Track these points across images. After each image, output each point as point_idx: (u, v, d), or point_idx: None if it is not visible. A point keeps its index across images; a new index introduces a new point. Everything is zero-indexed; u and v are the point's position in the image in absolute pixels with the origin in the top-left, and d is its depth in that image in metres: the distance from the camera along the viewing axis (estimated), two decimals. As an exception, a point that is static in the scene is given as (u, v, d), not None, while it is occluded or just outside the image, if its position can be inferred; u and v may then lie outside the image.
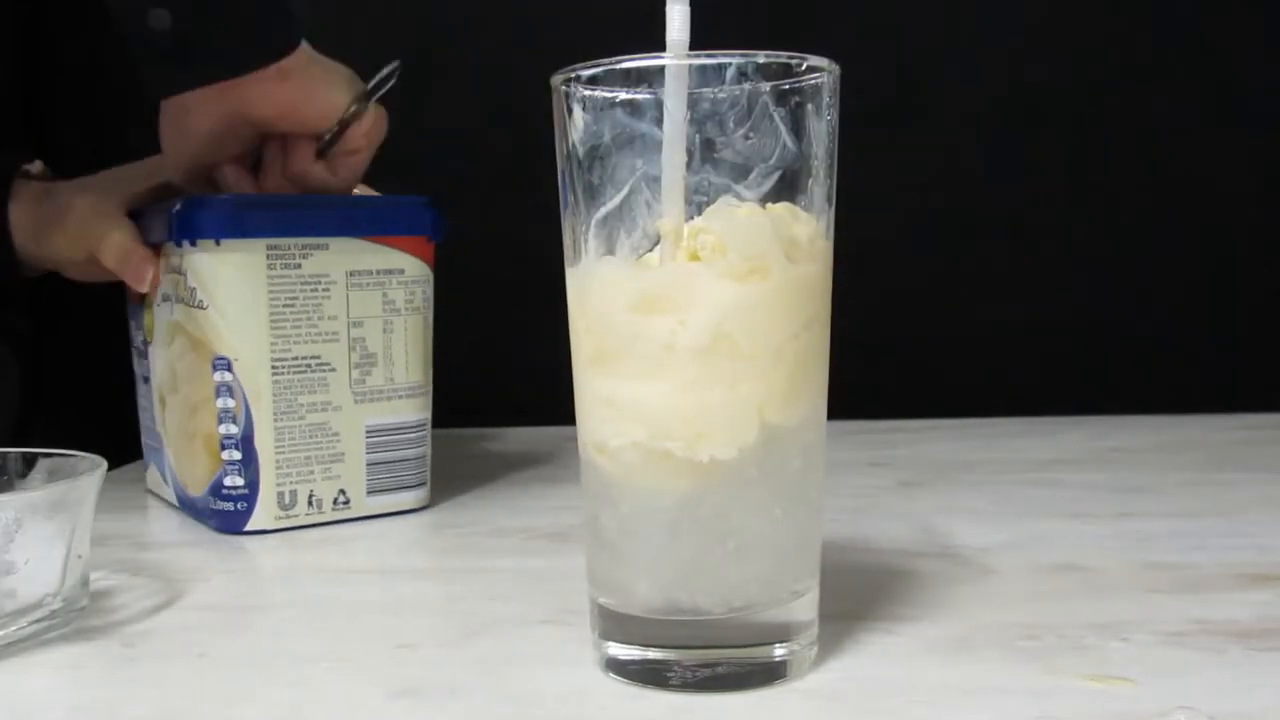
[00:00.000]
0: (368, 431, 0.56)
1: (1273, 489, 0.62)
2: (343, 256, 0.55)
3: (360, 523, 0.58)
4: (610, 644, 0.35)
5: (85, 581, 0.43)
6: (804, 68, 0.33)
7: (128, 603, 0.44)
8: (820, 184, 0.35)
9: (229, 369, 0.53)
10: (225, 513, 0.55)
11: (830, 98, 0.34)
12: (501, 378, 0.88)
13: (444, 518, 0.58)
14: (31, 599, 0.40)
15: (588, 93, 0.34)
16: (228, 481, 0.54)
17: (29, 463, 0.45)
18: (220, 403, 0.54)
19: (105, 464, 0.43)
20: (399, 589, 0.46)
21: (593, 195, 0.34)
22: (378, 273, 0.56)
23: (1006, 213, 0.90)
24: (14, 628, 0.39)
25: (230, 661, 0.38)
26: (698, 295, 0.32)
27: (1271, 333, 0.90)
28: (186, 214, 0.53)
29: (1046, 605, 0.42)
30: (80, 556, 0.42)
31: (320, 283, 0.54)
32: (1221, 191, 0.89)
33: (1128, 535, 0.52)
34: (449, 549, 0.52)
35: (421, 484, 0.59)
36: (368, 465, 0.56)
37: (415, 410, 0.58)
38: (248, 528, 0.54)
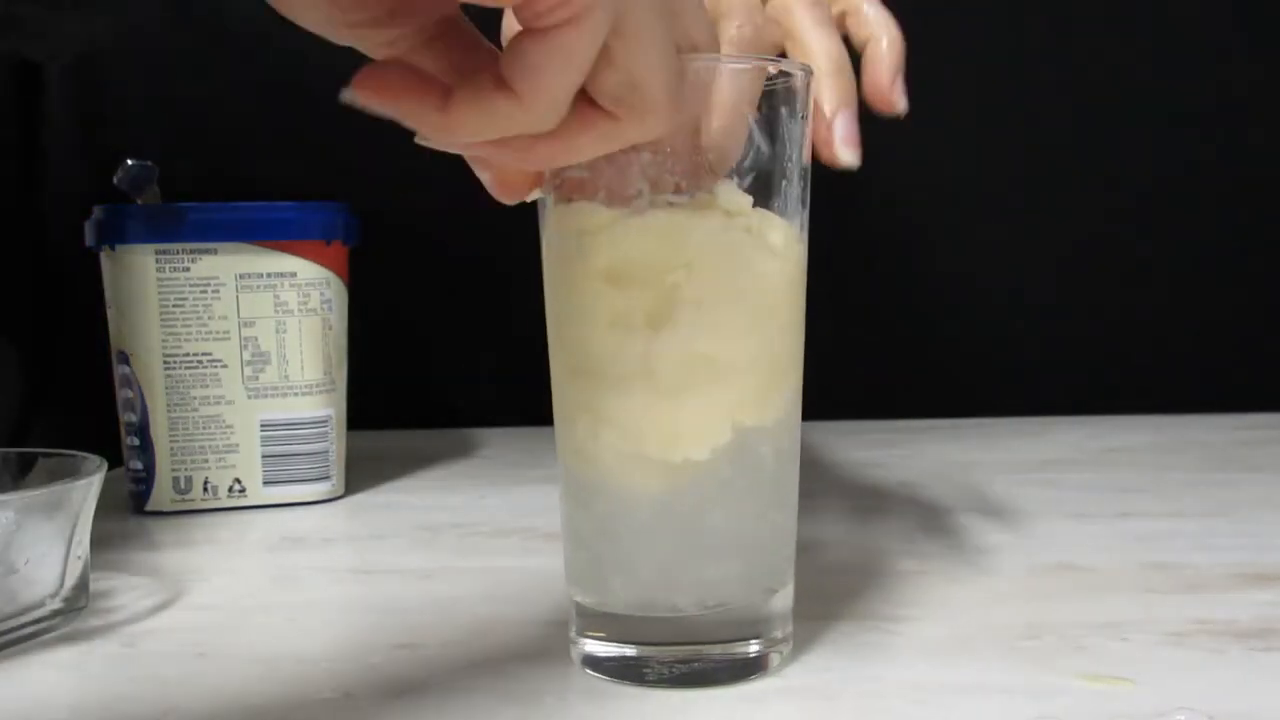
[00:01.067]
0: (262, 425, 0.60)
1: (1273, 489, 0.62)
2: (231, 260, 0.58)
3: (360, 524, 0.58)
4: (587, 640, 0.36)
5: (85, 582, 0.43)
6: (777, 71, 0.34)
7: (128, 603, 0.44)
8: (794, 186, 0.35)
9: (127, 363, 0.59)
10: (132, 493, 0.60)
11: (804, 100, 0.35)
12: (502, 378, 0.88)
13: (445, 518, 0.58)
14: (31, 600, 0.40)
15: None
16: (131, 465, 0.60)
17: (29, 463, 0.45)
18: (121, 393, 0.60)
19: (105, 464, 0.43)
20: (399, 589, 0.46)
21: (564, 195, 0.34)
22: (268, 275, 0.59)
23: (1006, 212, 0.90)
24: (13, 628, 0.39)
25: (230, 661, 0.38)
26: (673, 309, 0.33)
27: (1271, 333, 0.90)
28: (95, 223, 0.58)
29: (1046, 605, 0.42)
30: (80, 557, 0.42)
31: (210, 284, 0.58)
32: (1221, 191, 0.89)
33: (1128, 535, 0.52)
34: (449, 549, 0.52)
35: (324, 478, 0.62)
36: (263, 457, 0.60)
37: (315, 407, 0.61)
38: (148, 508, 0.59)
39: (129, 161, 0.58)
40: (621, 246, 0.33)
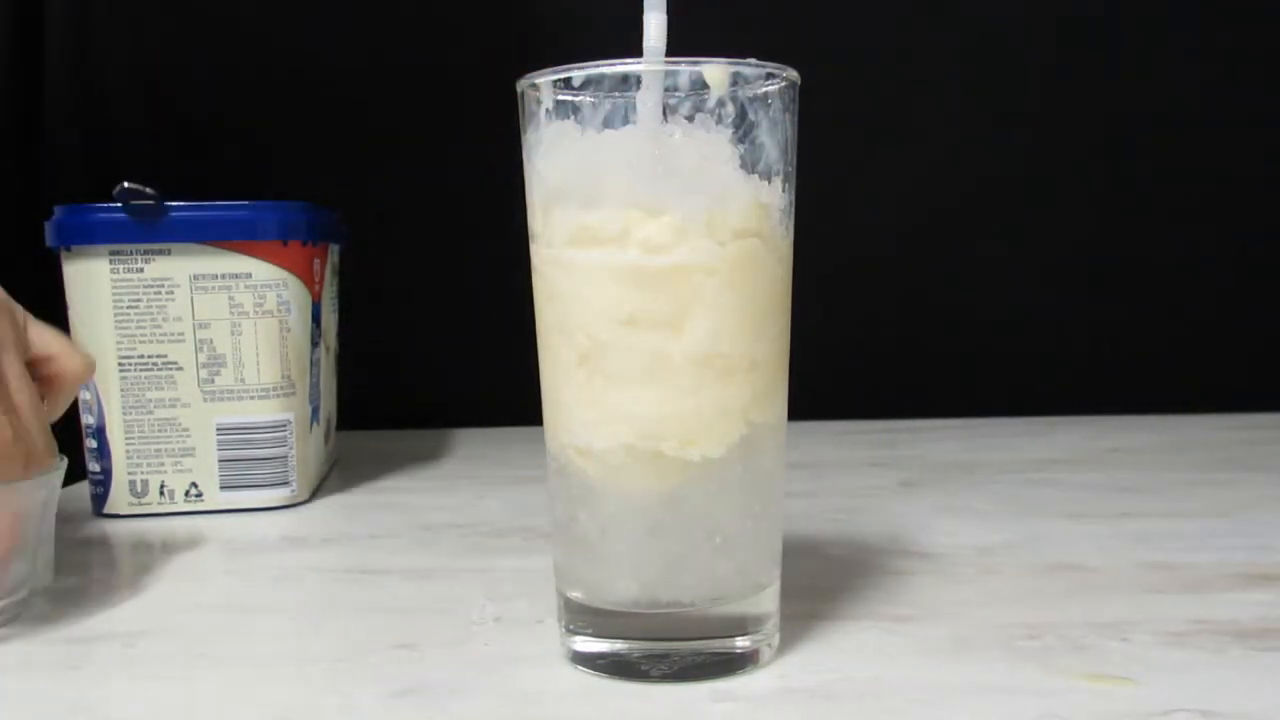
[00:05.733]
0: (219, 429, 0.59)
1: (1273, 489, 0.62)
2: (185, 261, 0.58)
3: (359, 524, 0.58)
4: (578, 637, 0.36)
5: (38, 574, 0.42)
6: (763, 74, 0.34)
7: (127, 603, 0.44)
8: (790, 187, 0.36)
9: None
10: (93, 496, 0.60)
11: (787, 103, 0.35)
12: (499, 378, 0.88)
13: (444, 517, 0.58)
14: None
15: (558, 97, 0.34)
16: (90, 467, 0.59)
17: None
18: (80, 395, 0.58)
19: (63, 464, 0.43)
20: (399, 589, 0.46)
21: (561, 199, 0.34)
22: (223, 276, 0.58)
23: (1006, 213, 0.90)
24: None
25: (230, 661, 0.38)
26: (695, 310, 0.33)
27: (1272, 333, 0.90)
28: (53, 224, 0.58)
29: (1046, 605, 0.42)
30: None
31: (164, 286, 0.58)
32: (1221, 191, 0.89)
33: (1128, 535, 0.52)
34: (449, 549, 0.52)
35: (284, 483, 0.60)
36: (220, 462, 0.59)
37: (272, 411, 0.60)
38: (105, 510, 0.59)
39: (125, 185, 0.57)
40: (644, 249, 0.33)
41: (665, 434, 0.34)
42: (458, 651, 0.38)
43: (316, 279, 0.62)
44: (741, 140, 0.34)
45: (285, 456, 0.60)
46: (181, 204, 0.58)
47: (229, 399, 0.59)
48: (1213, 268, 0.90)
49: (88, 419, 0.59)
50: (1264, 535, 0.52)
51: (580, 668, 0.36)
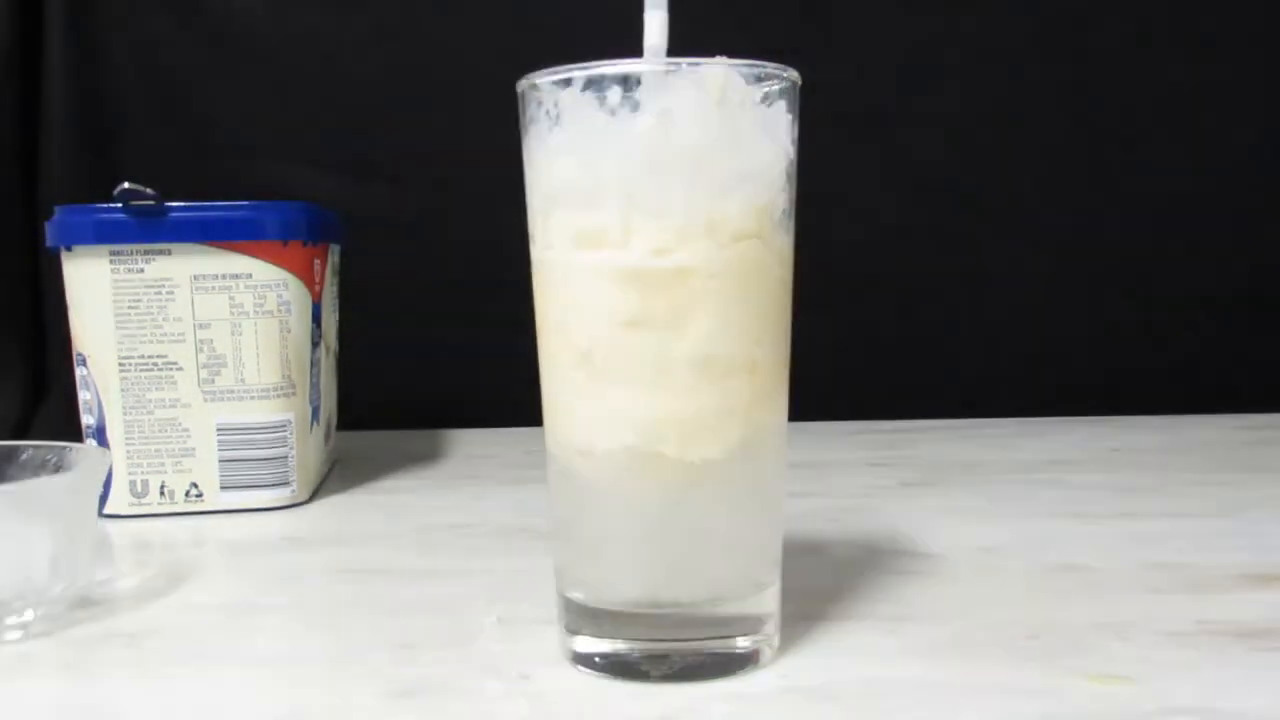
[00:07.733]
0: (219, 429, 0.59)
1: (1274, 489, 0.62)
2: (186, 261, 0.58)
3: (359, 524, 0.58)
4: (579, 638, 0.36)
5: (78, 578, 0.42)
6: (764, 74, 0.34)
7: (128, 603, 0.44)
8: (792, 187, 0.36)
9: (85, 364, 0.58)
10: None
11: (788, 103, 0.35)
12: (499, 378, 0.88)
13: (445, 517, 0.58)
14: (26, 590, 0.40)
15: (559, 98, 0.34)
16: None
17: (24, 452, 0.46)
18: (81, 395, 0.59)
19: (110, 456, 0.43)
20: (399, 589, 0.46)
21: (561, 200, 0.34)
22: (223, 276, 0.58)
23: (1007, 213, 0.90)
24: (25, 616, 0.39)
25: (230, 661, 0.38)
26: (694, 312, 0.33)
27: (1272, 333, 0.90)
28: (54, 224, 0.58)
29: (1046, 605, 0.42)
30: (74, 552, 0.42)
31: (164, 286, 0.58)
32: (1222, 191, 0.89)
33: (1129, 535, 0.52)
34: (449, 549, 0.52)
35: (284, 483, 0.60)
36: (220, 462, 0.59)
37: (273, 411, 0.60)
38: (106, 511, 0.58)
39: (125, 185, 0.56)
40: (645, 251, 0.33)
41: (666, 435, 0.34)
42: (458, 651, 0.38)
43: (316, 279, 0.62)
44: (742, 141, 0.34)
45: (285, 457, 0.60)
46: (181, 204, 0.58)
47: (229, 399, 0.59)
48: (1213, 268, 0.90)
49: (88, 419, 0.59)
50: (1265, 535, 0.52)
51: (580, 668, 0.36)
